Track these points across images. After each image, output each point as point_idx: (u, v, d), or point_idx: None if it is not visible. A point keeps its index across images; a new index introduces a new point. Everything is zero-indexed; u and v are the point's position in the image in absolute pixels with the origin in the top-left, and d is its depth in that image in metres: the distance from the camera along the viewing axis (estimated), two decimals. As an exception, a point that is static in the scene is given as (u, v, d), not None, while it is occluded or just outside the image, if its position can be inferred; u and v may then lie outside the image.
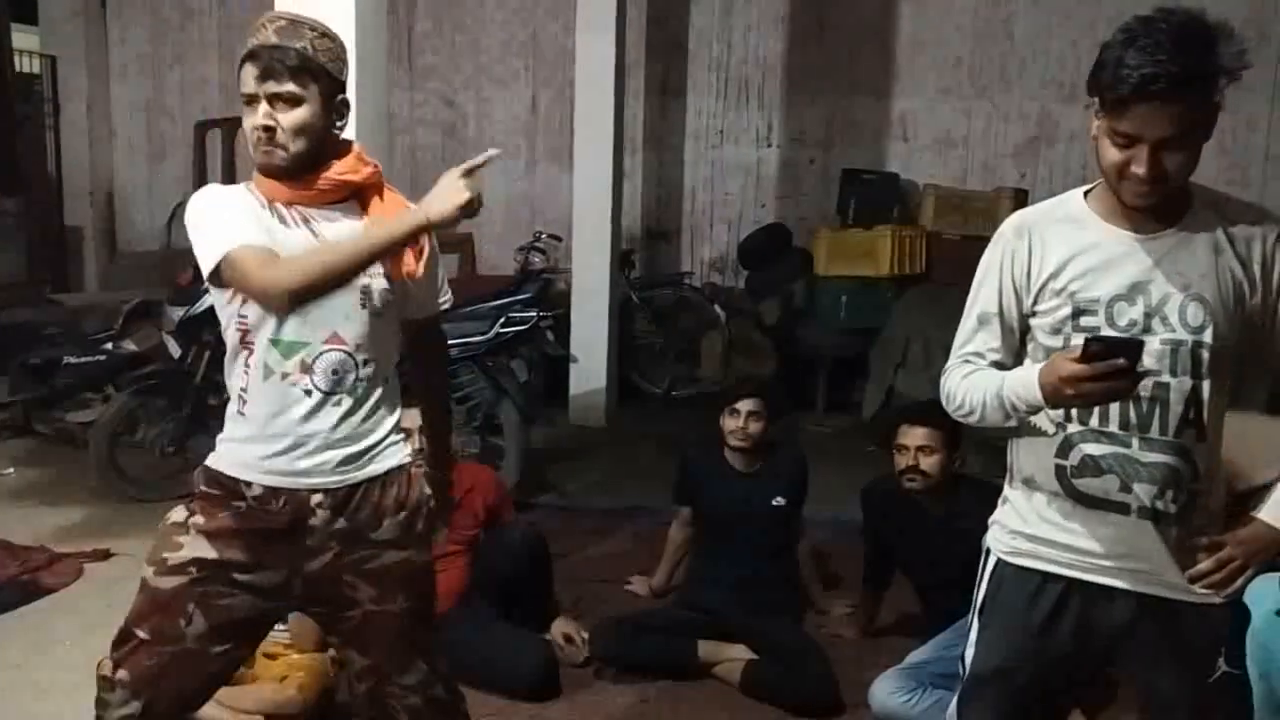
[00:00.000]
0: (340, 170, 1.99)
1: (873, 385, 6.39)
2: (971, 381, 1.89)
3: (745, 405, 3.64)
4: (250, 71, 1.92)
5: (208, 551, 1.96)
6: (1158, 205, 1.75)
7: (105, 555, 4.21)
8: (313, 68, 1.93)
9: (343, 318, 1.97)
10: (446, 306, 2.21)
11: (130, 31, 8.71)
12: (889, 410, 5.94)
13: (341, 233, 1.98)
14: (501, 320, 4.90)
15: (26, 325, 5.82)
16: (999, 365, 1.90)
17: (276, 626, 3.11)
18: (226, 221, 1.92)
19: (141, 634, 1.96)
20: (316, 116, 1.95)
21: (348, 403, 1.99)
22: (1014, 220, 1.93)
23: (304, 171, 1.96)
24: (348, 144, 2.06)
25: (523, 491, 4.91)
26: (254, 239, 1.89)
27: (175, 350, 4.93)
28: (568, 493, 5.32)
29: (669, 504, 4.01)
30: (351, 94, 3.25)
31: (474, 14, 8.03)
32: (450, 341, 4.69)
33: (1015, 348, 1.91)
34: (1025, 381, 1.76)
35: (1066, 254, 1.83)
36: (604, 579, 4.13)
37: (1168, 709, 1.87)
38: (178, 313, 4.77)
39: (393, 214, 2.00)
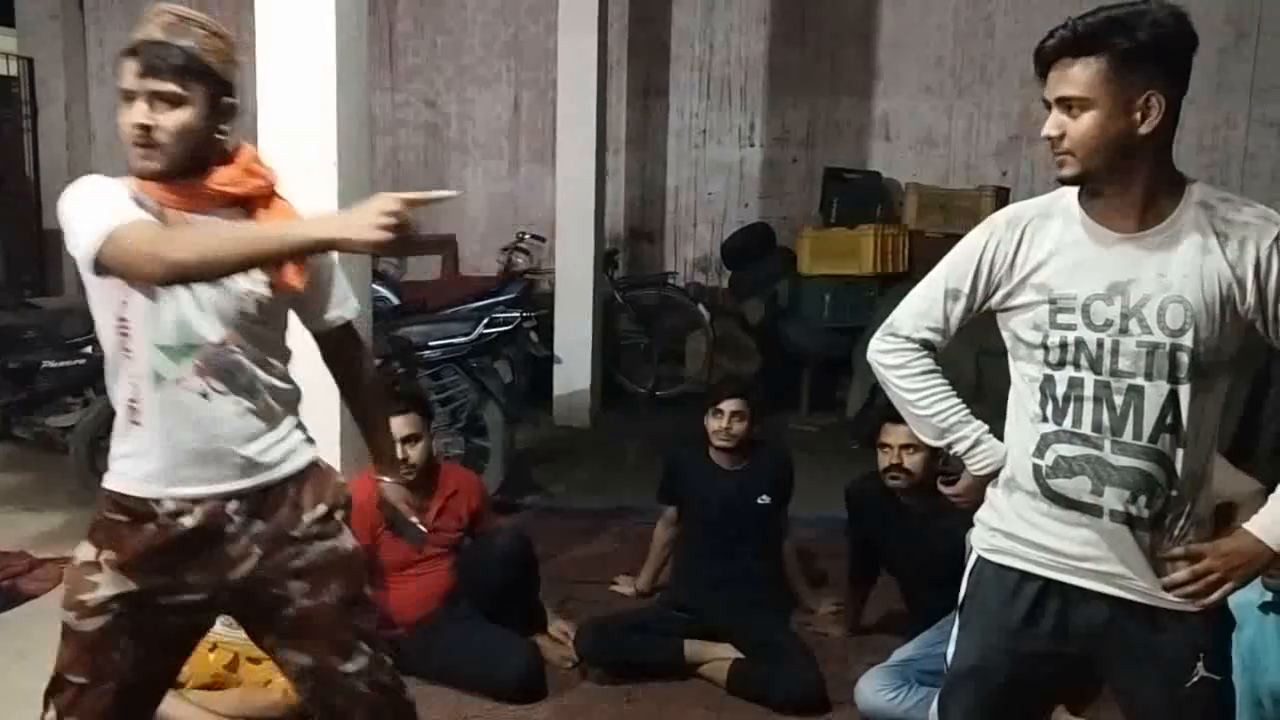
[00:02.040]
0: (221, 181, 1.90)
1: (856, 384, 6.38)
2: (931, 384, 1.96)
3: (729, 405, 3.64)
4: (130, 67, 1.83)
5: (126, 585, 1.90)
6: (1135, 200, 1.75)
7: (87, 560, 4.18)
8: (198, 68, 1.84)
9: (227, 321, 1.91)
10: (349, 317, 2.11)
11: (109, 33, 8.63)
12: (873, 409, 5.95)
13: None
14: (485, 321, 4.89)
15: (4, 329, 5.74)
16: (941, 339, 1.97)
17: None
18: (110, 205, 1.79)
19: (79, 680, 1.92)
20: (199, 119, 1.85)
21: (246, 403, 1.95)
22: (1008, 212, 1.92)
23: (182, 175, 1.87)
24: (236, 148, 1.96)
25: (507, 493, 4.90)
26: (140, 216, 1.78)
27: (155, 353, 4.89)
28: (552, 493, 5.31)
29: (654, 504, 4.00)
30: (332, 95, 3.30)
31: (455, 14, 8.00)
32: (434, 343, 4.77)
33: (957, 328, 1.98)
34: (988, 454, 1.93)
35: (1050, 249, 1.82)
36: (589, 579, 4.12)
37: (1144, 712, 1.86)
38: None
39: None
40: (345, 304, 2.12)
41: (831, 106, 7.54)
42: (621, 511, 4.90)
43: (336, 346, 2.16)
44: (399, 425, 3.22)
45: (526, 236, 6.85)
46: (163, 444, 1.91)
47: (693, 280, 7.78)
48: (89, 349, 5.36)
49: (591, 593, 3.99)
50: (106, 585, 1.90)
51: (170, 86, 1.82)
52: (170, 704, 2.92)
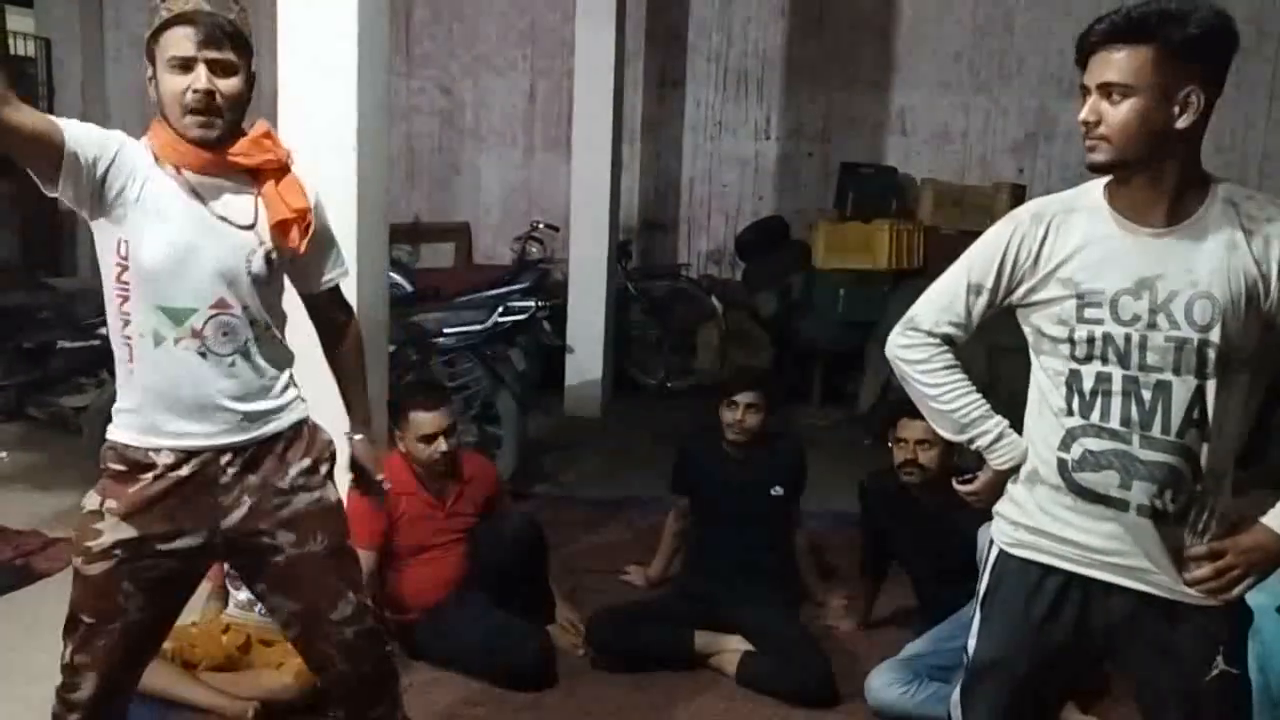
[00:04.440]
0: (236, 151, 2.01)
1: (869, 379, 6.38)
2: (953, 379, 1.96)
3: (744, 398, 3.64)
4: (187, 34, 1.91)
5: (127, 532, 2.01)
6: (1163, 196, 1.75)
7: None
8: (243, 39, 1.97)
9: (228, 284, 2.00)
10: (339, 279, 2.26)
11: (125, 14, 8.64)
12: (885, 404, 5.94)
13: (231, 203, 2.02)
14: (500, 309, 4.89)
15: (20, 309, 5.77)
16: (963, 334, 1.96)
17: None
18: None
19: (87, 619, 2.04)
20: (246, 87, 1.99)
21: (242, 363, 2.05)
22: (1033, 206, 1.92)
23: (221, 146, 1.99)
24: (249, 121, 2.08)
25: (518, 481, 4.90)
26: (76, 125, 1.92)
27: (170, 335, 4.90)
28: (562, 483, 5.31)
29: (664, 495, 4.00)
30: (353, 81, 3.30)
31: (472, 2, 7.99)
32: (448, 330, 4.77)
33: (978, 323, 1.97)
34: (1010, 448, 1.93)
35: (1077, 244, 1.82)
36: (598, 569, 4.12)
37: (1163, 706, 1.86)
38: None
39: (288, 196, 2.04)
40: (338, 267, 2.25)
41: (848, 100, 7.52)
42: (631, 502, 4.91)
43: (326, 307, 2.29)
44: (439, 418, 3.32)
45: (540, 225, 6.84)
46: (161, 399, 2.02)
47: (706, 272, 7.77)
48: (103, 330, 5.37)
49: (600, 582, 4.00)
50: (109, 532, 2.02)
51: (229, 55, 1.94)
52: (183, 685, 2.95)
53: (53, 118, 1.91)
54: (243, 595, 3.20)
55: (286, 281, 2.19)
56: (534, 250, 6.72)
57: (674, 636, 3.40)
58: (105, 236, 1.99)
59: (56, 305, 5.84)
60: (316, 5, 3.25)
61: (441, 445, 3.33)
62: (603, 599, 3.74)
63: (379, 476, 2.39)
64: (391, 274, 4.93)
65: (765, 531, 3.65)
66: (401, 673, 3.06)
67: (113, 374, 5.41)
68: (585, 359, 6.50)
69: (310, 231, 2.07)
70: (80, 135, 1.93)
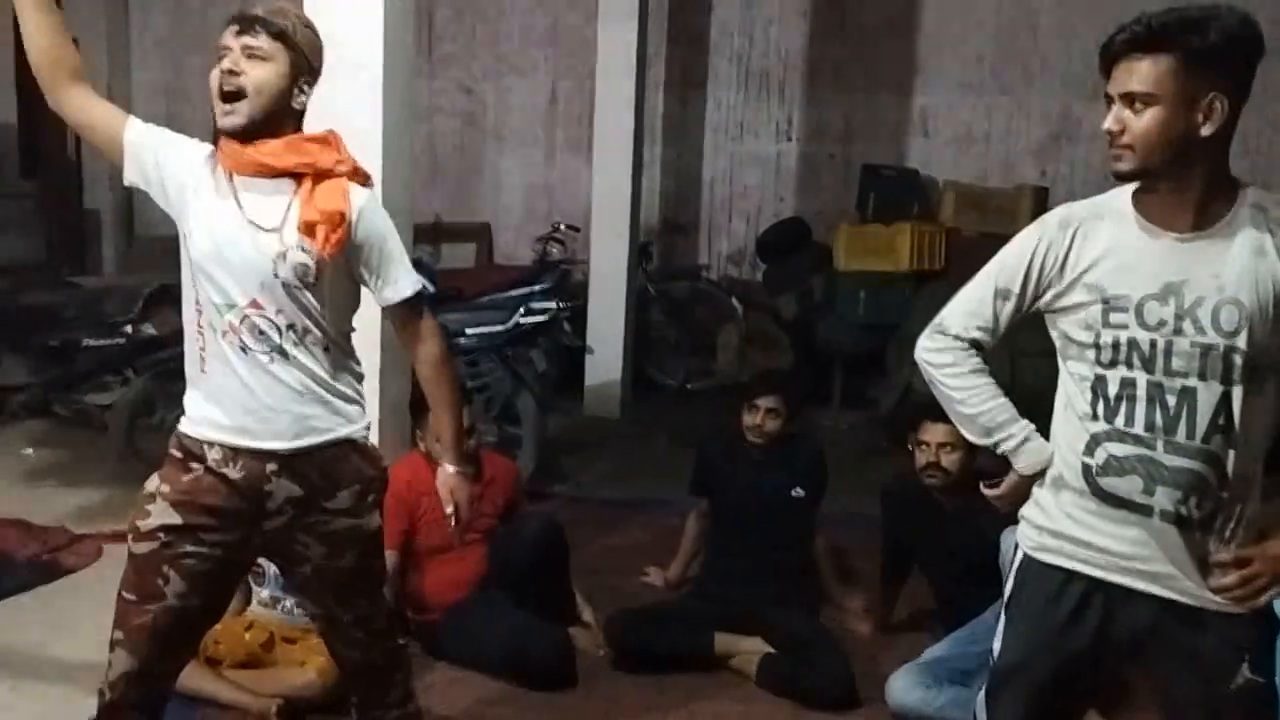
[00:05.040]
0: (264, 151, 2.06)
1: (890, 382, 6.36)
2: (980, 382, 1.97)
3: (764, 402, 3.64)
4: (230, 29, 2.05)
5: (173, 518, 2.08)
6: (1189, 202, 1.75)
7: (124, 536, 4.22)
8: (288, 39, 2.05)
9: (259, 285, 2.06)
10: (399, 298, 2.21)
11: (152, 16, 8.72)
12: (906, 407, 5.92)
13: (262, 206, 2.07)
14: (521, 310, 4.91)
15: (45, 308, 5.83)
16: (990, 338, 1.97)
17: (295, 611, 3.14)
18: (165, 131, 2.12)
19: (130, 596, 2.11)
20: (279, 78, 2.04)
21: (280, 365, 2.09)
22: (1061, 212, 1.92)
23: (251, 137, 2.05)
24: (299, 127, 2.13)
25: (538, 481, 4.91)
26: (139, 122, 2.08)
27: (194, 334, 4.94)
28: (582, 483, 5.32)
29: (682, 496, 4.00)
30: (378, 81, 3.31)
31: (495, 2, 8.02)
32: (470, 331, 4.79)
33: (1006, 328, 1.98)
34: (1035, 453, 1.92)
35: (1103, 249, 1.82)
36: (617, 569, 4.12)
37: (1187, 714, 1.85)
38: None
39: (321, 198, 2.07)
40: (398, 285, 2.22)
41: (870, 102, 7.49)
42: (649, 503, 4.90)
43: (397, 324, 2.30)
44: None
45: (561, 226, 6.85)
46: (215, 392, 2.11)
47: (726, 274, 7.76)
48: (128, 328, 5.42)
49: (620, 582, 4.00)
50: (157, 515, 2.10)
51: (261, 43, 2.02)
52: (207, 681, 2.97)
53: (120, 116, 2.09)
54: (265, 593, 3.22)
55: (366, 294, 2.24)
56: (555, 251, 6.73)
57: (694, 637, 3.40)
58: (180, 228, 2.12)
59: (81, 303, 5.89)
60: (342, 6, 3.27)
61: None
62: (622, 600, 3.74)
63: (448, 510, 2.38)
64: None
65: (785, 533, 3.64)
66: (422, 672, 3.08)
67: (138, 371, 5.47)
68: (605, 360, 6.50)
69: (340, 236, 2.07)
70: (138, 138, 2.08)
